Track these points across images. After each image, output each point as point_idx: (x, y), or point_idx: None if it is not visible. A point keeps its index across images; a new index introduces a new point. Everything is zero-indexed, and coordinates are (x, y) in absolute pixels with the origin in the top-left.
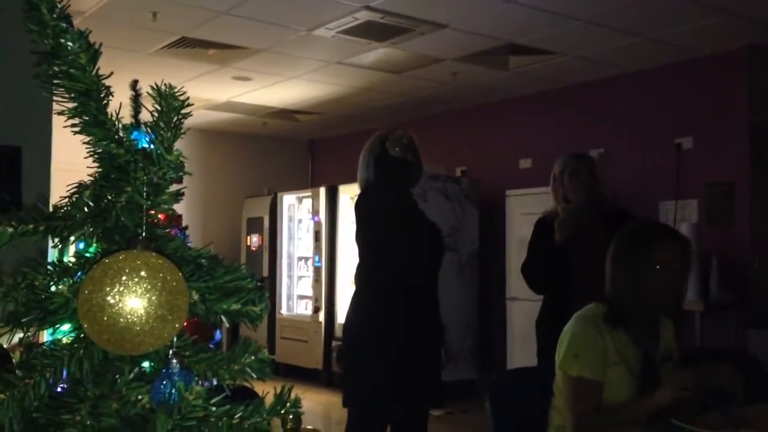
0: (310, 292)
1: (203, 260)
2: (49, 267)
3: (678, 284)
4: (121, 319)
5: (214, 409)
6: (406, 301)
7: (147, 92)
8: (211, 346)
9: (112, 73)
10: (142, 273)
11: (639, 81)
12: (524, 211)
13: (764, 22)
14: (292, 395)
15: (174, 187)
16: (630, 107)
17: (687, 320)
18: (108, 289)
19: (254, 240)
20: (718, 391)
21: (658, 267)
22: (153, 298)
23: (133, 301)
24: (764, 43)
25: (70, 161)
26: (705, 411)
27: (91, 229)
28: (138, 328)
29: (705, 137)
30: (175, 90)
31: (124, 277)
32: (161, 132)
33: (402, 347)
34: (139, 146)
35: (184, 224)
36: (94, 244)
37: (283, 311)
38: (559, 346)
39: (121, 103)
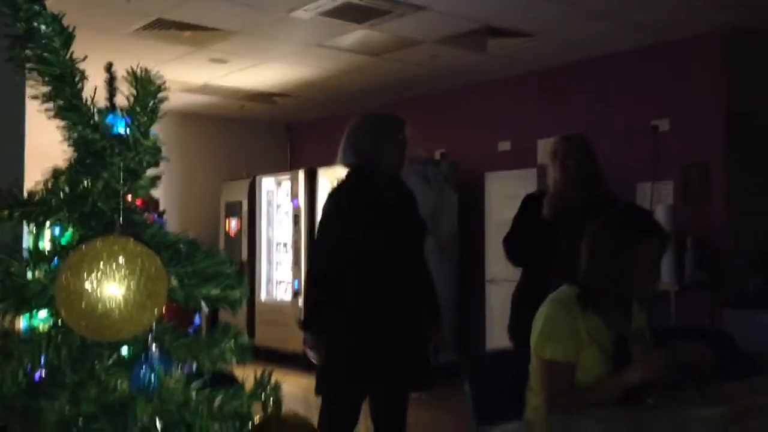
0: (289, 277)
1: (182, 245)
2: (25, 253)
3: (656, 276)
4: (100, 306)
5: (194, 394)
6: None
7: (123, 75)
8: (190, 331)
9: (86, 57)
10: (120, 259)
11: (616, 63)
12: (503, 193)
13: (741, 4)
14: (272, 380)
15: (151, 172)
16: (607, 89)
17: (662, 300)
18: (85, 275)
19: (233, 224)
20: (691, 369)
21: (641, 262)
22: (131, 284)
23: (111, 288)
24: (740, 25)
25: (45, 144)
26: (680, 389)
27: (67, 215)
28: (116, 314)
29: (681, 119)
30: (152, 74)
31: (101, 264)
32: (137, 117)
33: (375, 326)
34: (115, 130)
35: (161, 209)
36: (70, 230)
37: (263, 296)
38: (533, 329)
39: (96, 87)
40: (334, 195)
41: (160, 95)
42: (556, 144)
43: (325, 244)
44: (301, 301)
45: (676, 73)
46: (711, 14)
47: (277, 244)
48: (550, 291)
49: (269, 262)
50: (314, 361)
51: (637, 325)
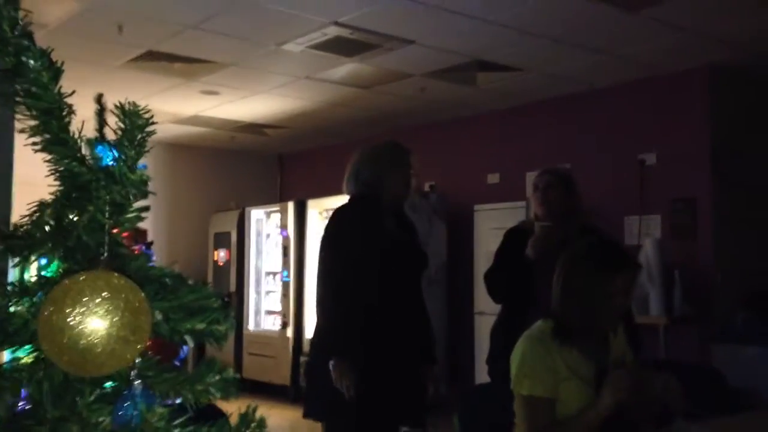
0: (278, 308)
1: (167, 279)
2: (8, 287)
3: (627, 306)
4: (82, 341)
5: (177, 431)
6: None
7: (114, 106)
8: (177, 362)
9: (74, 92)
10: (104, 293)
11: (603, 97)
12: (492, 225)
13: (725, 41)
14: (257, 415)
15: (139, 203)
16: (595, 123)
17: (651, 334)
18: (68, 310)
19: (221, 255)
20: (659, 399)
21: (613, 293)
22: (115, 319)
23: (94, 322)
24: (725, 62)
25: (32, 175)
26: (667, 420)
27: (52, 249)
28: (99, 349)
29: (668, 153)
30: (140, 108)
31: (85, 298)
32: (125, 150)
33: (376, 361)
34: (104, 161)
35: (149, 239)
36: (55, 263)
37: (251, 326)
38: (511, 367)
39: (84, 121)
40: (337, 216)
41: (147, 129)
42: (538, 177)
43: (341, 263)
44: (311, 331)
45: (662, 107)
46: (696, 50)
47: (266, 274)
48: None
49: (258, 292)
50: (347, 391)
51: (615, 354)
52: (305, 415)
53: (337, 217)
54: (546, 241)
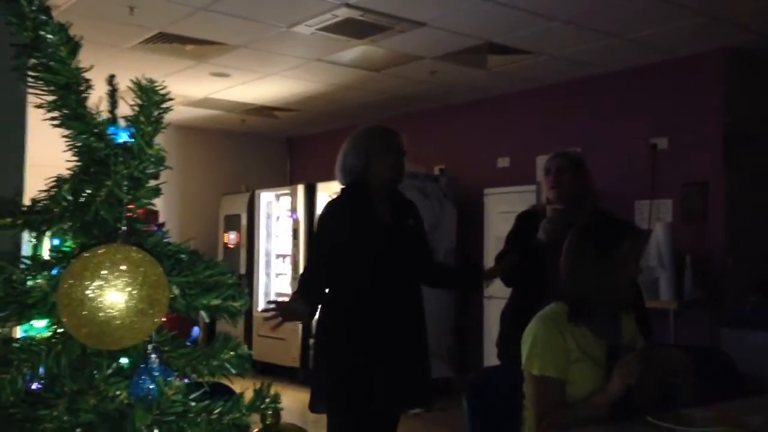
0: (288, 290)
1: (183, 255)
2: (26, 261)
3: (636, 274)
4: (101, 314)
5: (193, 404)
6: (384, 299)
7: (127, 87)
8: (188, 343)
9: (92, 66)
10: (123, 267)
11: (615, 81)
12: (502, 209)
13: (739, 25)
14: (271, 391)
15: (152, 183)
16: (606, 107)
17: (661, 319)
18: (88, 282)
19: (231, 237)
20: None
21: (621, 263)
22: (133, 292)
23: (113, 295)
24: (738, 45)
25: (44, 156)
26: (675, 405)
27: (69, 224)
28: (118, 322)
29: (680, 138)
30: (156, 84)
31: (104, 271)
32: (142, 126)
33: (383, 349)
34: (116, 141)
35: (161, 221)
36: (70, 239)
37: (261, 308)
38: (523, 347)
39: (101, 97)
40: (327, 207)
41: (164, 105)
42: (549, 161)
43: (313, 254)
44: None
45: (674, 91)
46: (709, 33)
47: (276, 257)
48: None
49: (267, 275)
50: (270, 324)
51: (627, 336)
52: (311, 409)
53: (327, 209)
54: (558, 224)
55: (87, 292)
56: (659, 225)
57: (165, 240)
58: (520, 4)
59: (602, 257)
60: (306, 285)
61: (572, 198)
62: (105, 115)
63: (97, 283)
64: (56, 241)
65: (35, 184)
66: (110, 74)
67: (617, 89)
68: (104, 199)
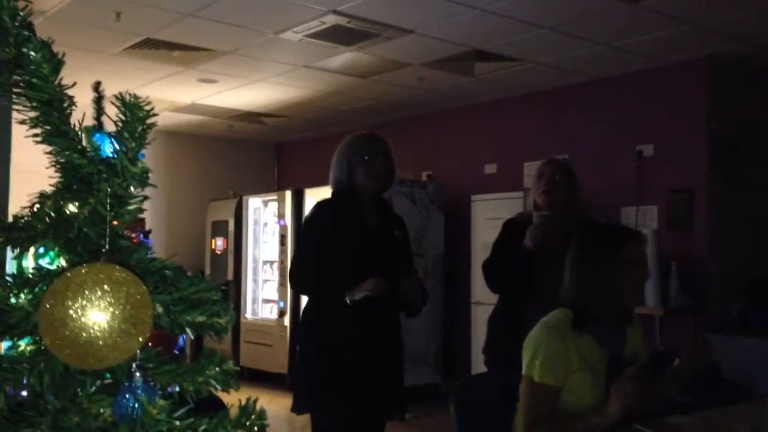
0: (275, 296)
1: (168, 271)
2: (8, 279)
3: (645, 279)
4: (84, 334)
5: (177, 422)
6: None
7: (114, 95)
8: (176, 351)
9: (75, 84)
10: (105, 287)
11: (601, 88)
12: (489, 216)
13: (724, 33)
14: (257, 407)
15: (136, 199)
16: (592, 114)
17: (647, 325)
18: (70, 303)
19: (219, 243)
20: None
21: (627, 265)
22: (116, 312)
23: (96, 315)
24: (724, 53)
25: (28, 162)
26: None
27: (53, 241)
28: (101, 342)
29: (665, 145)
30: (140, 99)
31: (86, 291)
32: (126, 142)
33: (358, 353)
34: (102, 149)
35: (147, 228)
36: (53, 252)
37: (248, 315)
38: (524, 353)
39: (84, 113)
40: (313, 208)
41: (148, 121)
42: (543, 165)
43: (300, 252)
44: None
45: (660, 98)
46: (694, 41)
47: (264, 263)
48: (530, 319)
49: (255, 281)
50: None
51: (631, 348)
52: (293, 410)
53: (313, 209)
54: (544, 231)
55: (69, 312)
56: (645, 232)
57: (149, 256)
58: (507, 12)
59: (605, 261)
60: (308, 274)
61: (562, 205)
62: (87, 125)
63: (79, 303)
64: (39, 259)
65: (21, 190)
66: (96, 81)
67: (603, 96)
68: (87, 217)
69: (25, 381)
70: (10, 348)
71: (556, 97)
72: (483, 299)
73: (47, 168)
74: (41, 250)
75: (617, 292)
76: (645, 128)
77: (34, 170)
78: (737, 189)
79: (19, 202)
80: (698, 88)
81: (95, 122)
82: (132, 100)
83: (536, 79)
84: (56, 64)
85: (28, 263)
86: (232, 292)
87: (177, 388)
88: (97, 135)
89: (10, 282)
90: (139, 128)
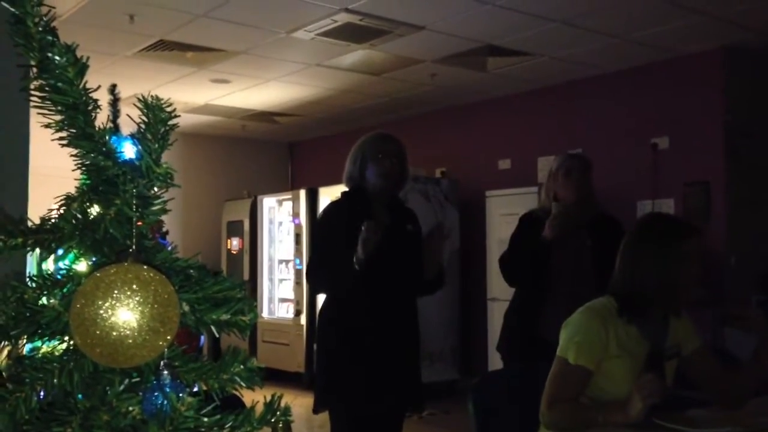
0: (291, 295)
1: (192, 271)
2: (38, 280)
3: (699, 277)
4: (114, 333)
5: (205, 419)
6: (378, 302)
7: (133, 97)
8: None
9: (99, 87)
10: (134, 286)
11: (615, 81)
12: (504, 211)
13: (739, 24)
14: (282, 403)
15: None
16: (607, 108)
17: None
18: (100, 302)
19: (234, 243)
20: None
21: (686, 260)
22: (145, 310)
23: (125, 314)
24: (738, 44)
25: (45, 165)
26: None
27: (79, 242)
28: (131, 340)
29: (681, 137)
30: (162, 101)
31: (116, 291)
32: (149, 144)
33: (375, 348)
34: (119, 150)
35: (164, 229)
36: (73, 255)
37: (265, 314)
38: (563, 333)
39: (108, 115)
40: (326, 208)
41: (170, 122)
42: (566, 160)
43: (315, 251)
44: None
45: (675, 90)
46: (709, 32)
47: (279, 262)
48: (549, 311)
49: (271, 280)
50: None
51: (674, 340)
52: (314, 410)
53: (326, 209)
54: (565, 221)
55: (99, 311)
56: None
57: (173, 255)
58: (519, 7)
59: (664, 254)
60: (323, 271)
61: (584, 199)
62: (107, 124)
63: (109, 303)
64: (59, 261)
65: (37, 193)
66: (112, 83)
67: (618, 89)
68: (113, 218)
69: (55, 380)
70: (31, 350)
71: (570, 90)
72: (499, 295)
73: (72, 171)
74: (59, 251)
75: (670, 287)
76: (660, 121)
77: (51, 174)
78: (754, 180)
79: (34, 206)
80: (713, 79)
81: (111, 125)
82: (154, 101)
83: (549, 73)
84: (81, 68)
85: (49, 265)
86: (248, 291)
87: (197, 386)
88: (114, 137)
89: (40, 283)
90: (162, 129)
